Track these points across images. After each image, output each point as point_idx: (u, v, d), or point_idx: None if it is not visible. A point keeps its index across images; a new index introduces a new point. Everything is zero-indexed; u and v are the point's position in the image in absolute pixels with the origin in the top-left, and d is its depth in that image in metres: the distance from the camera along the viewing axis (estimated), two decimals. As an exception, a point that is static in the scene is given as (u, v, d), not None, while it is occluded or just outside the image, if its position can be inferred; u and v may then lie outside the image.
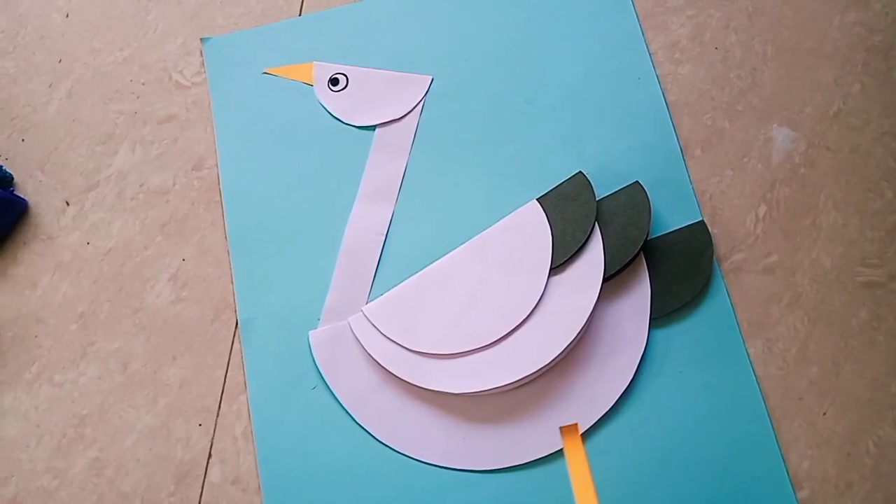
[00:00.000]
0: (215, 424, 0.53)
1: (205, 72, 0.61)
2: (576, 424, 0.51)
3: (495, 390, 0.52)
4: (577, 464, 0.51)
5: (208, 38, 0.62)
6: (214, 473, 0.52)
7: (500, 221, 0.56)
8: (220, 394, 0.54)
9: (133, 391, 0.54)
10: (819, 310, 0.54)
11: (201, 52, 0.62)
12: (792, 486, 0.50)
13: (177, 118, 0.60)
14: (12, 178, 0.59)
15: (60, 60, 0.62)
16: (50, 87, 0.61)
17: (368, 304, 0.55)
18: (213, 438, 0.53)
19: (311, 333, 0.54)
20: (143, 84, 0.61)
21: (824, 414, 0.52)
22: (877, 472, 0.50)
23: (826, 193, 0.56)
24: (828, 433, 0.51)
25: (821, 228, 0.55)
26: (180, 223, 0.58)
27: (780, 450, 0.51)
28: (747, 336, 0.53)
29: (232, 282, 0.56)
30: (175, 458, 0.53)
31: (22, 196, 0.58)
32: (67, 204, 0.58)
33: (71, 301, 0.56)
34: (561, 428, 0.51)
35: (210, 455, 0.53)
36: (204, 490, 0.52)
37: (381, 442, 0.52)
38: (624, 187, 0.55)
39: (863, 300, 0.54)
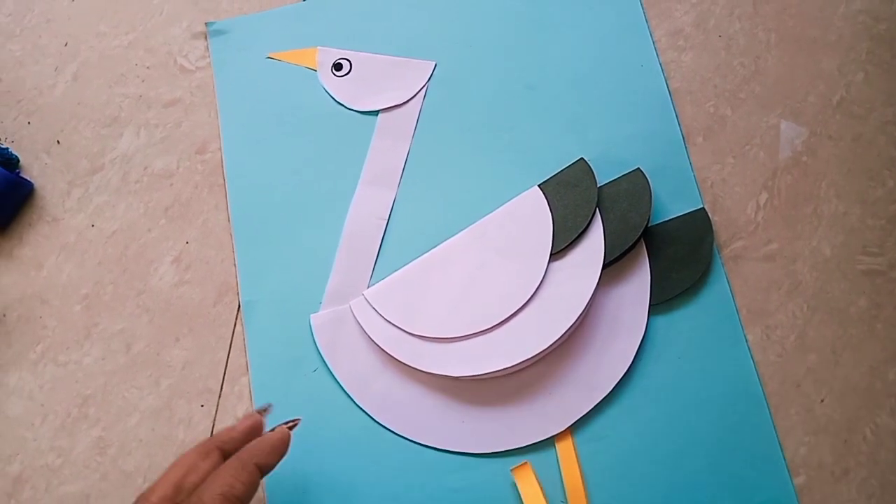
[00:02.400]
0: (217, 406, 0.54)
1: (209, 56, 0.61)
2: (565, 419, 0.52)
3: (494, 374, 0.52)
4: (565, 451, 0.51)
5: (213, 23, 0.62)
6: (216, 453, 0.53)
7: (502, 207, 0.56)
8: (222, 375, 0.54)
9: (136, 372, 0.55)
10: (818, 298, 0.54)
11: (206, 37, 0.62)
12: (788, 472, 0.50)
13: (181, 102, 0.61)
14: (18, 161, 0.59)
15: (66, 44, 0.62)
16: (56, 70, 0.62)
17: (370, 288, 0.55)
18: (214, 419, 0.54)
19: (313, 317, 0.55)
20: (148, 68, 0.62)
21: (822, 401, 0.52)
22: (873, 460, 0.51)
23: (827, 182, 0.56)
24: (825, 420, 0.51)
25: (822, 217, 0.55)
26: (184, 206, 0.58)
27: (777, 436, 0.51)
28: (746, 323, 0.53)
29: (234, 265, 0.57)
30: (177, 439, 0.53)
31: (28, 178, 0.59)
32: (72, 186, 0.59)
33: (75, 282, 0.57)
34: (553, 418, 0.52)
35: (212, 436, 0.53)
36: (205, 470, 0.53)
37: (380, 424, 0.53)
38: (625, 174, 0.55)
39: (862, 288, 0.54)
